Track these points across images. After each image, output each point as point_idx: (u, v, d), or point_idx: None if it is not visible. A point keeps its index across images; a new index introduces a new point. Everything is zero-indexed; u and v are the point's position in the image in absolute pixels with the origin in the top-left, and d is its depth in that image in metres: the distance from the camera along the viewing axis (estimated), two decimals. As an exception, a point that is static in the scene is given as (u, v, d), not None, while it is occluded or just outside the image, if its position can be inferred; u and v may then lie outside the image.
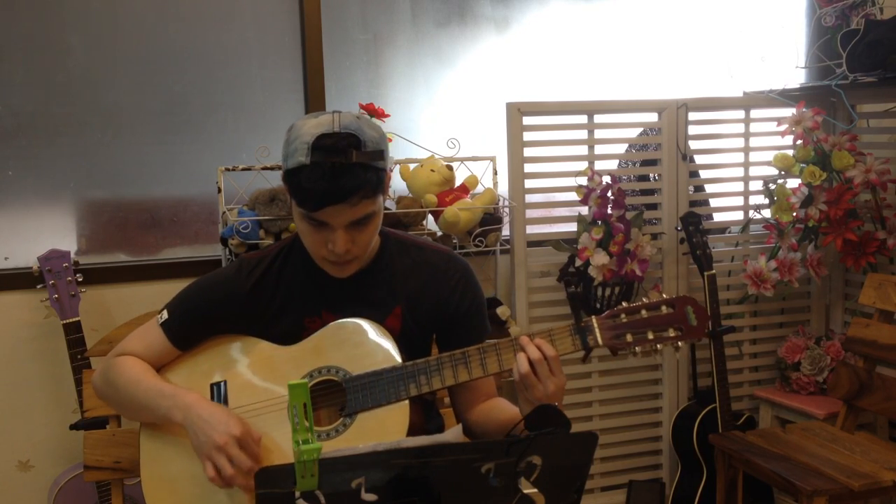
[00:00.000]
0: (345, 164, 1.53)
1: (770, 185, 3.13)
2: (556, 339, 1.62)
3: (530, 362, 1.57)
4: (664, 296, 1.68)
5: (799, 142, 3.05)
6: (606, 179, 2.92)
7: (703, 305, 1.64)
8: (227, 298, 1.72)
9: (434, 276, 1.76)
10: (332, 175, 1.52)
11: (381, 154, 1.58)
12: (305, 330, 1.71)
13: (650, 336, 1.63)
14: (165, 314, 1.73)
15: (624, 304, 1.66)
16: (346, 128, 1.55)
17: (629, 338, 1.62)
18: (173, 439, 1.67)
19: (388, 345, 1.65)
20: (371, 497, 1.24)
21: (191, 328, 1.73)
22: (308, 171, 1.53)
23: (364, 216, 1.58)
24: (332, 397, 1.67)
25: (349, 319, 1.69)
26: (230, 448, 1.53)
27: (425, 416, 1.80)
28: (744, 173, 3.31)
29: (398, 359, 1.64)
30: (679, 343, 1.64)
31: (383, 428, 1.59)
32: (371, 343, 1.66)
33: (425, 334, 1.79)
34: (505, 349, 1.63)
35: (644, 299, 1.67)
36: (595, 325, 1.63)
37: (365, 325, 1.68)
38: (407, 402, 1.62)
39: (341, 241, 1.58)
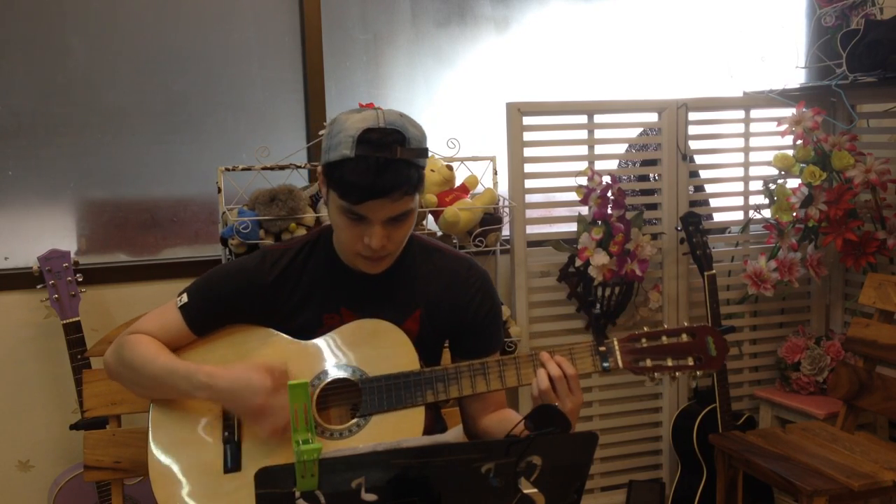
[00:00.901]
0: (389, 160, 1.54)
1: (770, 185, 3.13)
2: (576, 358, 1.63)
3: (550, 379, 1.58)
4: (685, 323, 1.69)
5: (799, 142, 3.05)
6: (606, 179, 2.92)
7: (724, 338, 1.66)
8: (248, 288, 1.71)
9: (454, 282, 1.76)
10: (377, 169, 1.53)
11: (424, 152, 1.60)
12: (323, 326, 1.71)
13: (669, 363, 1.65)
14: (185, 297, 1.72)
15: (645, 328, 1.68)
16: (392, 124, 1.56)
17: (648, 363, 1.64)
18: (182, 428, 1.67)
19: (408, 349, 1.66)
20: (371, 497, 1.24)
21: (209, 315, 1.72)
22: (353, 164, 1.54)
23: (402, 213, 1.59)
24: (345, 396, 1.67)
25: (370, 319, 1.69)
26: (270, 403, 1.56)
27: (434, 419, 1.81)
28: (744, 173, 3.31)
29: (417, 364, 1.64)
30: (697, 372, 1.65)
31: (398, 431, 1.59)
32: (390, 345, 1.66)
33: (440, 339, 1.80)
34: (524, 364, 1.64)
35: (664, 324, 1.69)
36: (616, 347, 1.65)
37: (385, 326, 1.68)
38: (423, 407, 1.62)
39: (378, 236, 1.59)
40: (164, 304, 1.77)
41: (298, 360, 1.67)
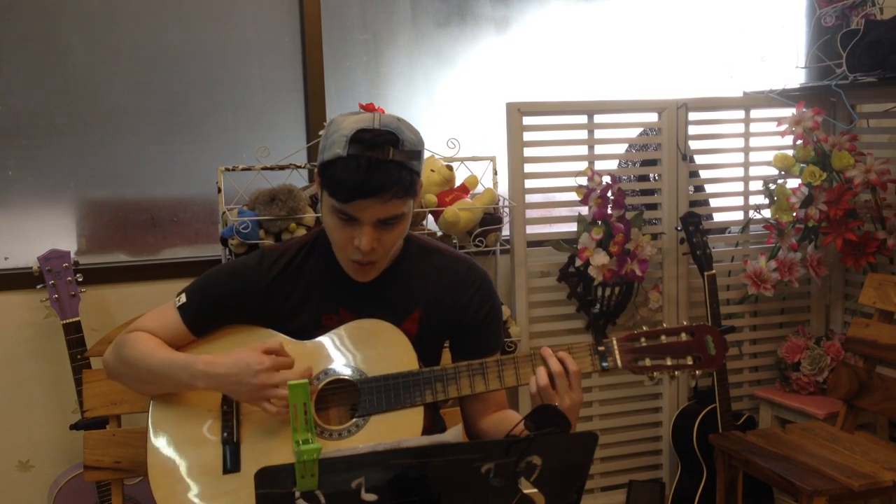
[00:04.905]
0: (381, 160, 1.54)
1: (770, 185, 3.13)
2: (574, 358, 1.63)
3: (550, 376, 1.58)
4: (684, 322, 1.69)
5: (799, 142, 3.05)
6: (606, 179, 2.92)
7: (723, 336, 1.66)
8: (246, 289, 1.72)
9: (453, 282, 1.76)
10: (367, 169, 1.53)
11: (417, 155, 1.60)
12: (321, 327, 1.71)
13: (668, 362, 1.65)
14: (184, 297, 1.73)
15: (644, 328, 1.68)
16: (387, 126, 1.57)
17: (647, 362, 1.64)
18: (181, 429, 1.67)
19: (407, 349, 1.66)
20: (371, 497, 1.24)
21: (208, 315, 1.73)
22: (343, 163, 1.54)
23: (393, 216, 1.59)
24: (344, 397, 1.67)
25: (368, 320, 1.69)
26: (270, 380, 1.56)
27: (432, 419, 1.81)
28: (744, 173, 3.31)
29: (416, 364, 1.64)
30: (697, 371, 1.65)
31: (397, 431, 1.59)
32: (389, 346, 1.66)
33: (440, 340, 1.80)
34: (523, 363, 1.64)
35: (664, 324, 1.69)
36: (615, 347, 1.65)
37: (384, 326, 1.68)
38: (422, 407, 1.62)
39: (368, 237, 1.59)
40: (164, 303, 1.77)
41: (298, 360, 1.67)
